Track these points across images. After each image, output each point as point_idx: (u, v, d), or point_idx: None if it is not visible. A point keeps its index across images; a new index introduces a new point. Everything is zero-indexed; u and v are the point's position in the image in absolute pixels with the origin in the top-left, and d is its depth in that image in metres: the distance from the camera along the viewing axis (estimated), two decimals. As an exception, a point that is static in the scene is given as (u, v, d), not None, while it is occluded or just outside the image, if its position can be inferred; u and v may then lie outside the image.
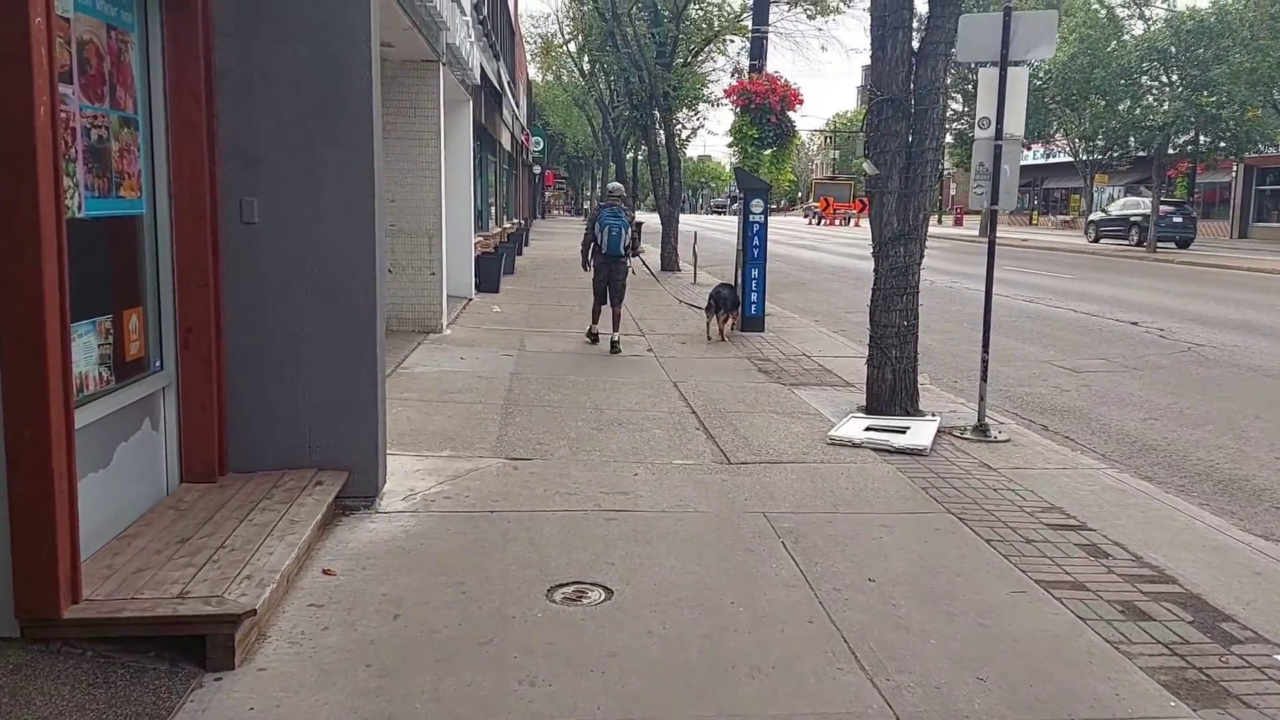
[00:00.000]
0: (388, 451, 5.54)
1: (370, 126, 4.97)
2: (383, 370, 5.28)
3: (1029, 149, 49.48)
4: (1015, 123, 6.80)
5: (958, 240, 41.54)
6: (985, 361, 7.11)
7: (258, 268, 4.87)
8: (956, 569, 4.40)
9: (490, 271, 15.96)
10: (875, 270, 7.72)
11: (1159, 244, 33.33)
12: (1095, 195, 48.98)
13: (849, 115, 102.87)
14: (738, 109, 12.72)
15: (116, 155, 4.15)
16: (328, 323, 4.94)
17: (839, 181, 66.74)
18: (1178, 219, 35.07)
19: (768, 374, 9.37)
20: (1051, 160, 54.42)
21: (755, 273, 12.09)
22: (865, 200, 66.24)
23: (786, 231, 49.96)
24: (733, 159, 13.03)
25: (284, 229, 4.88)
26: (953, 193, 66.14)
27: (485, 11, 17.75)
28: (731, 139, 12.96)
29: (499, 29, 22.15)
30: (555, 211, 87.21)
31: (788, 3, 21.61)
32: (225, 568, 3.69)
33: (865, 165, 7.48)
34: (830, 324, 13.67)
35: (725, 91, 12.95)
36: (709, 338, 11.60)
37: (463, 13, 11.42)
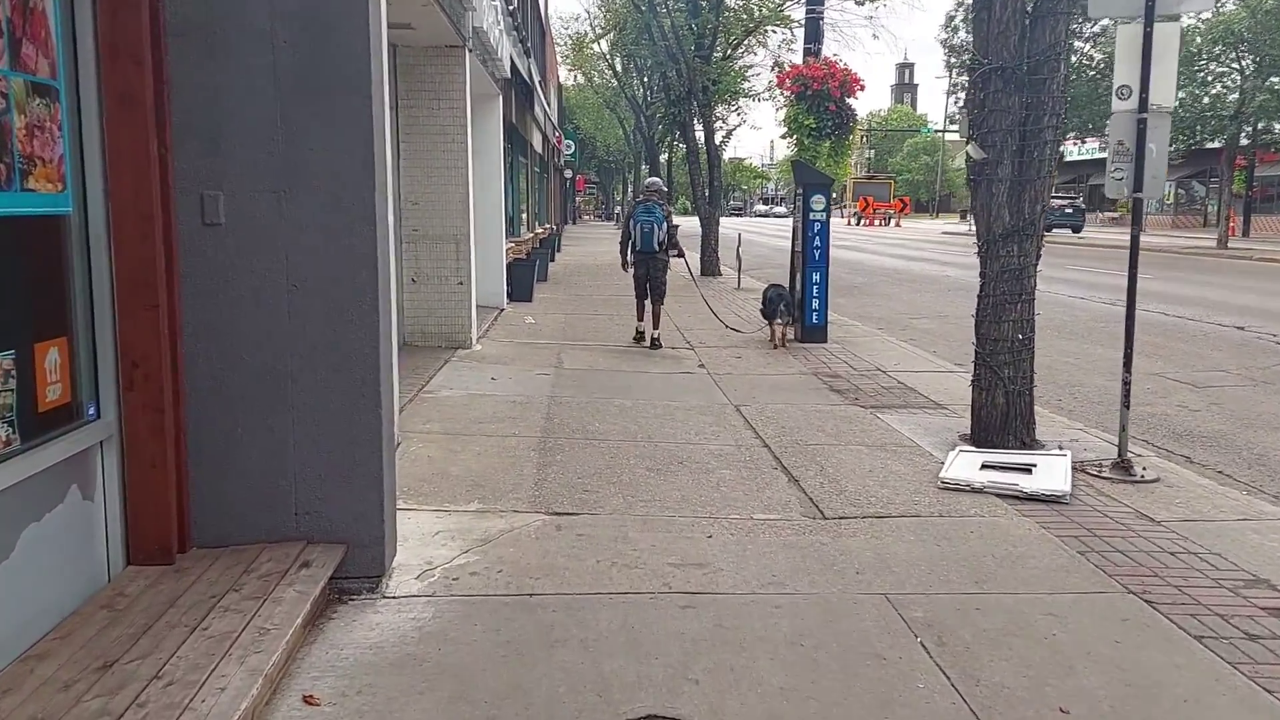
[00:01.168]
0: (400, 507, 4.42)
1: (368, 99, 3.84)
2: (392, 413, 4.15)
3: (1077, 144, 47.62)
4: (1164, 91, 5.57)
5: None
6: (1127, 384, 5.85)
7: (225, 283, 3.76)
8: (1176, 690, 3.18)
9: (523, 279, 14.87)
10: (981, 274, 6.49)
11: (1054, 229, 34.72)
12: (1148, 190, 47.07)
13: (882, 114, 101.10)
14: (793, 96, 11.53)
15: (22, 134, 3.06)
16: (318, 352, 3.82)
17: (877, 180, 65.05)
18: (1069, 210, 44.29)
19: (842, 394, 8.16)
20: (1095, 156, 52.48)
21: (816, 277, 10.88)
22: (905, 200, 64.82)
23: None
24: (788, 151, 11.74)
25: (258, 232, 3.77)
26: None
27: (515, 2, 16.70)
28: (786, 129, 11.76)
29: (528, 24, 21.10)
30: (586, 217, 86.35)
31: (834, -11, 20.36)
32: (153, 717, 2.57)
33: (969, 149, 6.27)
34: (895, 332, 12.42)
35: (778, 78, 11.75)
36: (774, 344, 10.62)
37: (490, -7, 10.35)
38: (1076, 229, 44.30)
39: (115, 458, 3.54)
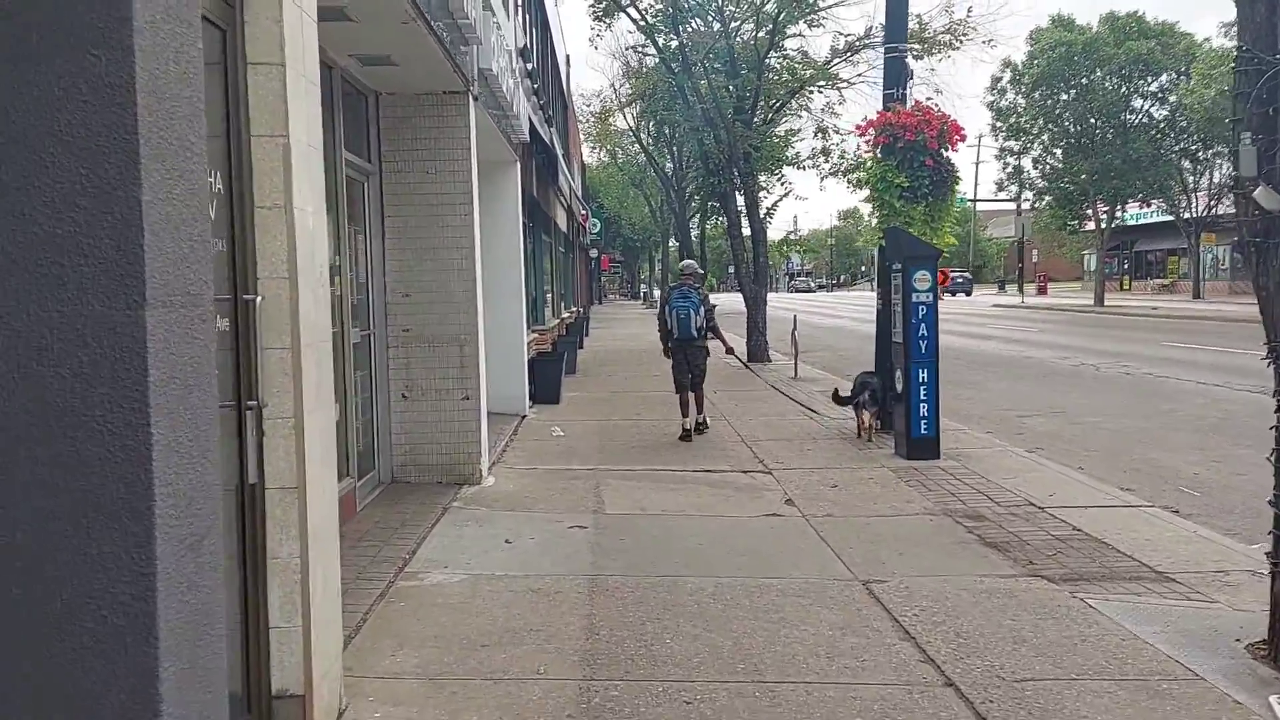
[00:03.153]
0: None
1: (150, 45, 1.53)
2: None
3: (1118, 211, 45.15)
4: None
5: (1069, 310, 37.22)
6: None
7: None
8: None
9: (549, 377, 12.58)
10: (1278, 393, 4.06)
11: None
12: (1201, 255, 44.58)
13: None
14: (878, 149, 9.28)
15: None
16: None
17: (915, 252, 62.72)
18: (959, 280, 54.93)
19: (1003, 552, 5.70)
20: (1143, 222, 50.16)
21: (924, 374, 8.48)
22: (945, 272, 62.09)
23: (867, 308, 46.24)
24: (871, 217, 9.46)
25: None
26: (1035, 258, 61.93)
27: (534, 64, 14.80)
28: (870, 189, 9.49)
29: (549, 90, 19.27)
30: (612, 296, 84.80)
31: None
32: None
33: (1260, 195, 3.92)
34: (1010, 436, 9.95)
35: (858, 128, 9.56)
36: (860, 435, 9.55)
37: (498, 28, 8.25)
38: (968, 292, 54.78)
39: None
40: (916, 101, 9.31)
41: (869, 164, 9.61)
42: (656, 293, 54.07)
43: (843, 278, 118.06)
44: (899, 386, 8.73)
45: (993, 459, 8.51)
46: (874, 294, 11.34)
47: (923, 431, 8.47)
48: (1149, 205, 40.73)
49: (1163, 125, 31.92)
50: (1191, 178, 35.68)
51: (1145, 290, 52.93)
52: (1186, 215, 42.13)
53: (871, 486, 7.54)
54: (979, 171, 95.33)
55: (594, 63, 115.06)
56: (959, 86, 72.50)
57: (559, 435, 10.02)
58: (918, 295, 8.48)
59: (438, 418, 7.44)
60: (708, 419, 10.24)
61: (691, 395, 9.90)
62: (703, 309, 9.82)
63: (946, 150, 9.29)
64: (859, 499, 7.14)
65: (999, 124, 32.81)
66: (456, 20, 6.45)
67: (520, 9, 15.39)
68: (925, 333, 8.49)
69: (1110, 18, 33.50)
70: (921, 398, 8.47)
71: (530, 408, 11.79)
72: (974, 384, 14.55)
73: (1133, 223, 50.70)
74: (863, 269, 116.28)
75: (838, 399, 10.51)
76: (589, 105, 36.39)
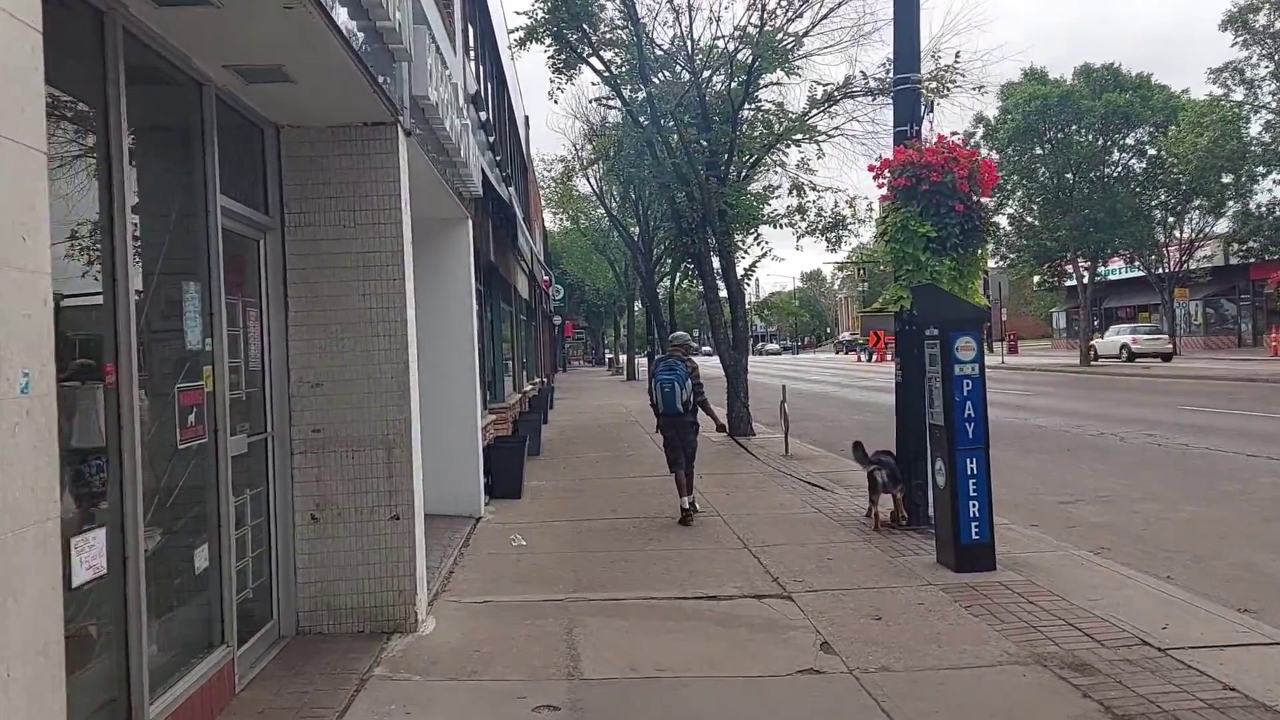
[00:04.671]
0: None
1: None
2: None
3: (1099, 266, 44.34)
4: None
5: (1054, 370, 35.90)
6: None
7: None
8: None
9: (508, 466, 10.81)
10: None
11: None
12: (1177, 310, 43.98)
13: (871, 249, 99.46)
14: (898, 191, 7.77)
15: None
16: None
17: (887, 313, 61.98)
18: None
19: (1153, 737, 4.01)
20: (1112, 278, 49.69)
21: (973, 465, 6.85)
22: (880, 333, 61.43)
23: (843, 372, 45.03)
24: (885, 267, 7.87)
25: None
26: (1004, 316, 61.23)
27: (489, 115, 13.32)
28: (887, 241, 7.96)
29: (507, 148, 17.83)
30: (576, 362, 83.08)
31: (865, 90, 17.20)
32: None
33: None
34: (1058, 529, 8.36)
35: (872, 169, 8.04)
36: (875, 526, 8.31)
37: (438, 50, 6.66)
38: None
39: None
40: (940, 137, 7.85)
41: (884, 212, 8.10)
42: (623, 358, 52.43)
43: (806, 339, 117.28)
44: (939, 479, 7.09)
45: (1061, 569, 6.86)
46: (837, 355, 9.87)
47: (974, 536, 6.81)
48: (1131, 261, 39.79)
49: (1142, 179, 31.29)
50: (1169, 232, 35.00)
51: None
52: (1159, 270, 41.56)
53: (927, 618, 5.83)
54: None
55: (555, 124, 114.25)
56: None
57: (521, 545, 8.23)
58: (961, 367, 6.89)
59: (359, 545, 5.65)
60: (696, 503, 9.27)
61: (686, 476, 9.16)
62: (690, 382, 9.10)
63: (977, 194, 7.81)
64: (917, 639, 5.43)
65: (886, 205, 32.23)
66: (375, 22, 4.86)
67: (475, 58, 13.99)
68: (972, 413, 6.88)
69: (1085, 70, 33.07)
70: (971, 493, 6.83)
71: (487, 504, 10.01)
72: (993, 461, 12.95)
73: (1099, 279, 50.22)
74: (828, 330, 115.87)
75: (860, 452, 9.08)
76: (550, 170, 35.17)
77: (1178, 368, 31.04)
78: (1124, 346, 38.33)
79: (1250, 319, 44.33)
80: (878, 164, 8.13)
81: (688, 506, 9.07)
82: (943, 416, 6.95)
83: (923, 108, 8.49)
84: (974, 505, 6.82)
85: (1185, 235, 38.03)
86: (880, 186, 8.20)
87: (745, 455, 13.79)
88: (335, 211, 5.68)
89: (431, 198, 8.14)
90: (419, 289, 9.14)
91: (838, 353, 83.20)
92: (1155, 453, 12.43)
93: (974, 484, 6.83)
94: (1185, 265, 39.99)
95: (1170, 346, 36.74)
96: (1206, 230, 36.10)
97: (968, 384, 6.88)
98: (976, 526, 6.81)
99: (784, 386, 14.91)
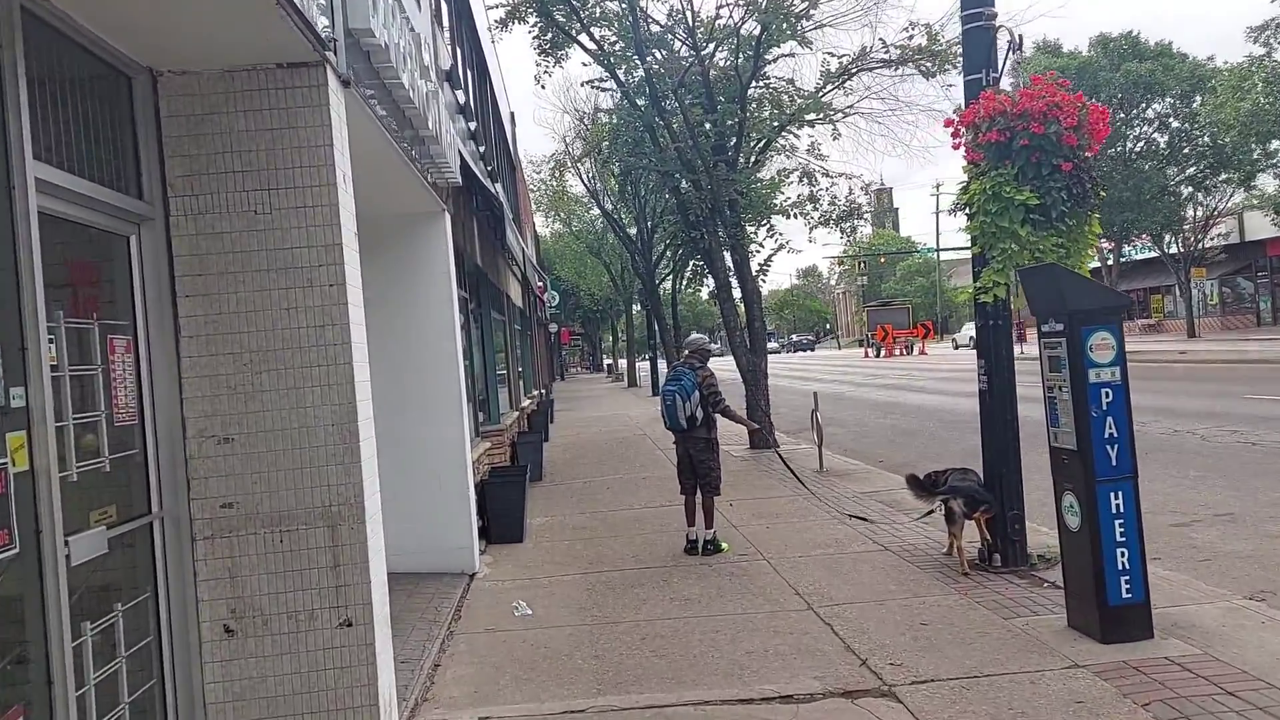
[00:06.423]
0: None
1: None
2: None
3: (1115, 248, 42.62)
4: None
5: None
6: None
7: None
8: None
9: (507, 504, 9.14)
10: None
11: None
12: (1194, 291, 42.30)
13: (866, 240, 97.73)
14: (988, 149, 6.09)
15: None
16: None
17: (894, 306, 60.47)
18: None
19: None
20: (1124, 260, 48.08)
21: (1118, 500, 5.19)
22: (928, 324, 59.69)
23: (853, 370, 43.31)
24: (973, 244, 6.19)
25: None
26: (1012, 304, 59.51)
27: (469, 100, 11.66)
28: (975, 214, 6.27)
29: (492, 141, 16.18)
30: (574, 369, 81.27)
31: (884, 62, 15.57)
32: None
33: None
34: (1187, 563, 6.74)
35: (949, 124, 6.39)
36: (963, 570, 6.77)
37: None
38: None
39: None
40: (1035, 78, 6.18)
41: (970, 177, 6.43)
42: (622, 363, 50.67)
43: (807, 337, 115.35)
44: (1069, 519, 5.42)
45: (1238, 631, 5.19)
46: (839, 351, 8.38)
47: (1124, 595, 5.14)
48: (1160, 239, 37.93)
49: (1166, 152, 29.62)
50: (1197, 209, 33.25)
51: (1132, 330, 50.59)
52: (1173, 250, 39.93)
53: (1099, 731, 4.16)
54: (940, 221, 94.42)
55: (542, 118, 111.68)
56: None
57: (525, 615, 6.54)
58: (1098, 372, 5.23)
59: (294, 665, 3.96)
60: (716, 537, 8.08)
61: (698, 502, 8.10)
62: (697, 394, 8.01)
63: (1085, 149, 6.14)
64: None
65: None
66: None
67: (451, 38, 12.34)
68: (1115, 431, 5.22)
69: (1103, 40, 31.40)
70: (1119, 538, 5.17)
71: (483, 553, 8.36)
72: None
73: (1124, 261, 48.63)
74: (827, 326, 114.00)
75: (916, 486, 7.70)
76: (539, 172, 33.51)
77: (1211, 350, 29.38)
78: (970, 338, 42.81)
79: (1270, 296, 42.73)
80: (956, 116, 6.45)
81: (694, 539, 8.08)
82: (1074, 438, 5.28)
83: (1001, 53, 6.83)
84: (1122, 554, 5.16)
85: (1211, 210, 36.21)
86: (958, 147, 6.53)
87: (774, 473, 12.13)
88: (242, 192, 4.00)
89: (394, 184, 6.47)
90: (385, 302, 7.50)
91: (847, 347, 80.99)
92: (1254, 455, 10.77)
93: (1121, 526, 5.17)
94: (1199, 243, 38.38)
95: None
96: (1229, 205, 34.41)
97: (1107, 394, 5.22)
98: (1127, 581, 5.15)
99: (815, 394, 13.21)
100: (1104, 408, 5.19)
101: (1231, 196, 34.67)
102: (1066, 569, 5.53)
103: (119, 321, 3.75)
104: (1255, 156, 28.87)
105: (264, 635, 3.95)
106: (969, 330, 53.95)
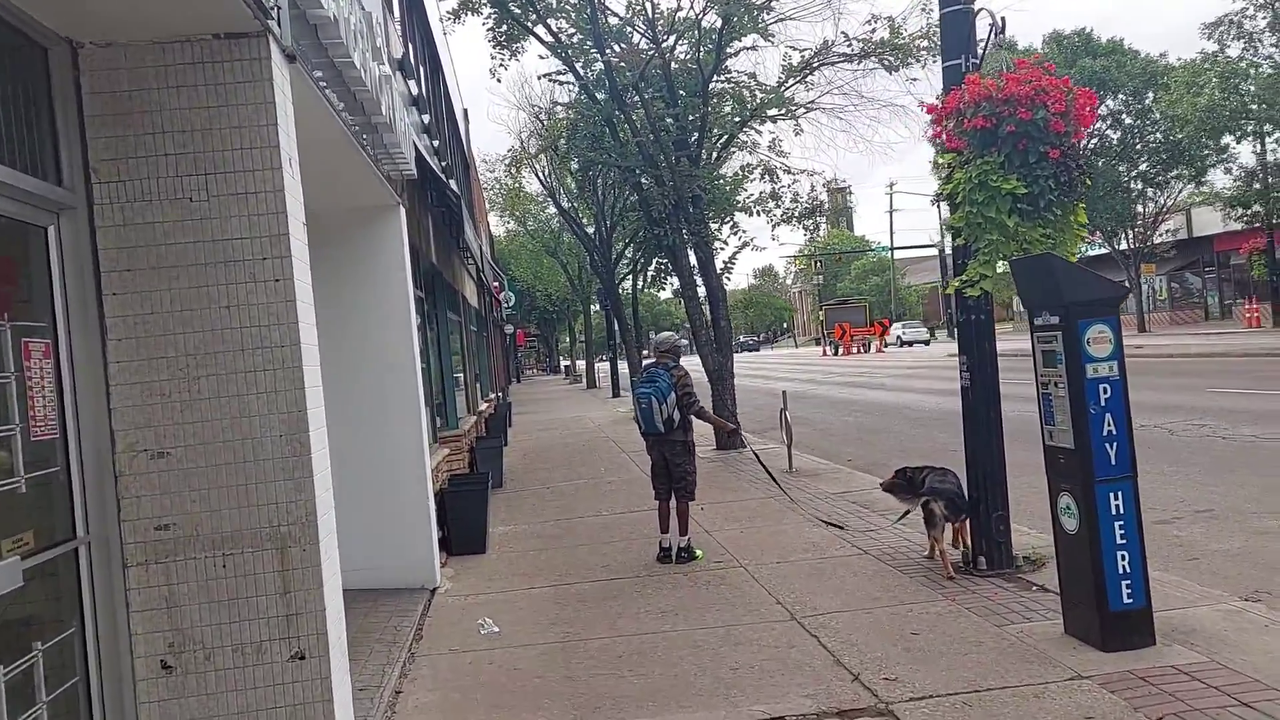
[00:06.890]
0: None
1: None
2: None
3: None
4: None
5: (1016, 356, 34.18)
6: None
7: None
8: None
9: (468, 513, 8.74)
10: None
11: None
12: (1144, 287, 42.99)
13: (821, 239, 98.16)
14: (972, 135, 5.85)
15: None
16: None
17: (851, 305, 60.77)
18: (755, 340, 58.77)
19: None
20: (1090, 254, 48.64)
21: (1118, 501, 4.96)
22: (885, 322, 60.09)
23: (811, 367, 43.32)
24: (949, 235, 5.95)
25: None
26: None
27: (422, 91, 11.22)
28: (958, 204, 6.03)
29: (445, 135, 15.72)
30: (530, 371, 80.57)
31: (846, 57, 15.39)
32: None
33: None
34: (1176, 561, 6.58)
35: (931, 110, 6.16)
36: (946, 574, 6.51)
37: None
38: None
39: None
40: (1021, 61, 5.96)
41: (951, 167, 6.19)
42: (580, 365, 50.18)
43: (762, 335, 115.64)
44: (1066, 521, 5.18)
45: (1241, 635, 4.99)
46: (797, 350, 8.20)
47: (1125, 601, 4.91)
48: (1113, 236, 38.39)
49: (1119, 149, 29.95)
50: (1148, 205, 33.68)
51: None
52: (1123, 246, 40.51)
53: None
54: (894, 219, 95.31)
55: (496, 115, 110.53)
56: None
57: (492, 633, 6.15)
58: (1095, 367, 4.99)
59: (241, 703, 3.56)
60: (691, 544, 7.77)
61: (673, 507, 7.75)
62: (672, 395, 7.65)
63: (1072, 134, 5.93)
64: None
65: (940, 160, 30.62)
66: None
67: (403, 28, 11.88)
68: (1114, 428, 4.98)
69: (1056, 37, 31.69)
70: (1119, 540, 4.93)
71: (443, 566, 7.96)
72: (1023, 464, 11.16)
73: (1080, 257, 49.12)
74: (784, 325, 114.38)
75: (894, 489, 7.61)
76: (493, 170, 32.97)
77: (1161, 345, 29.75)
78: (898, 337, 55.88)
79: (1217, 291, 43.55)
80: (939, 102, 6.21)
81: (668, 546, 7.74)
82: (1071, 436, 5.04)
83: (980, 37, 6.61)
84: (1123, 557, 4.92)
85: (1160, 206, 36.74)
86: (938, 135, 6.29)
87: (745, 474, 11.89)
88: (175, 178, 3.59)
89: (346, 175, 6.06)
90: (337, 302, 7.07)
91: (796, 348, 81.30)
92: (1224, 448, 10.72)
93: (1121, 527, 4.94)
94: (1149, 239, 38.97)
95: (928, 335, 54.44)
96: (1178, 201, 34.94)
97: (1105, 389, 4.98)
98: (1128, 586, 4.92)
99: (784, 393, 12.96)
100: (1102, 404, 4.95)
101: (1180, 192, 35.21)
102: (1063, 573, 5.29)
103: (36, 323, 3.32)
104: (1206, 152, 29.34)
105: (206, 671, 3.54)
106: (897, 330, 55.52)
